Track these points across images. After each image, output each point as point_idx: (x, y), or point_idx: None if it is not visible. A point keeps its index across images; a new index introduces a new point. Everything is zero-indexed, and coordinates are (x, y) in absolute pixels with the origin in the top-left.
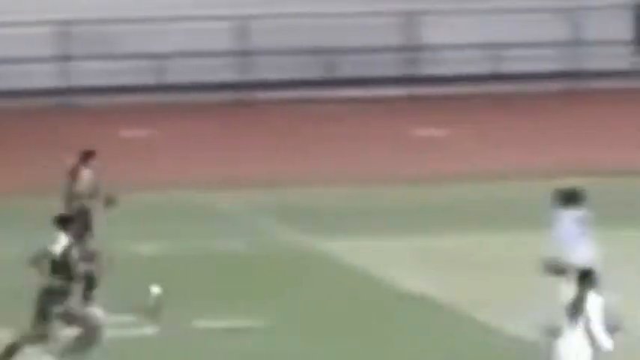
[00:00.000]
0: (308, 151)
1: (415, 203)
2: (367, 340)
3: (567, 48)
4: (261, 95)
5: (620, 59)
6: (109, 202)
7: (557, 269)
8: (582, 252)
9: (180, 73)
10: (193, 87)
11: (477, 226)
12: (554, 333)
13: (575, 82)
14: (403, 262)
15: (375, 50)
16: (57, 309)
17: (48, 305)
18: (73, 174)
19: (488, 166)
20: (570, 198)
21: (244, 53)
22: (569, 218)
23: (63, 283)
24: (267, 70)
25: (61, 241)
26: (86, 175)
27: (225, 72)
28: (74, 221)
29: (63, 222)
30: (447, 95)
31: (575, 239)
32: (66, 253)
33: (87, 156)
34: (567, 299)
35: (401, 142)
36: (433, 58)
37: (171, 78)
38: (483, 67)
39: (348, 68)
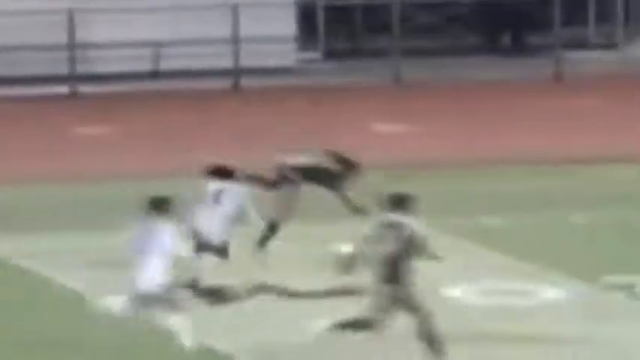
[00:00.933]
0: None
1: (74, 201)
2: None
3: (229, 45)
4: None
5: (284, 56)
6: None
7: None
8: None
9: None
10: None
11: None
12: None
13: (238, 79)
14: (62, 261)
15: (33, 48)
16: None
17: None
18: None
19: (149, 164)
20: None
21: None
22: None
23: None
24: None
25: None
26: None
27: None
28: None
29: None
30: (107, 93)
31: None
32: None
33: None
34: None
35: (61, 140)
36: (94, 56)
37: None
38: (144, 65)
39: (2, 67)
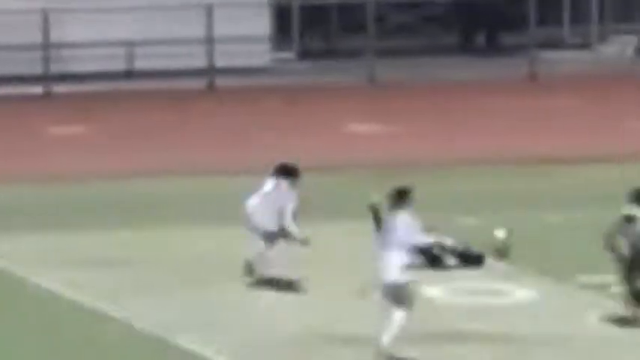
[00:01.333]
0: None
1: (48, 201)
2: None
3: (204, 45)
4: None
5: (258, 56)
6: None
7: None
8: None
9: None
10: None
11: (115, 223)
12: None
13: (212, 79)
14: (39, 259)
15: (7, 48)
16: None
17: None
18: None
19: (124, 164)
20: None
21: None
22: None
23: None
24: None
25: None
26: None
27: None
28: None
29: None
30: (82, 93)
31: None
32: None
33: None
34: None
35: (36, 140)
36: (69, 56)
37: None
38: (118, 65)
39: None
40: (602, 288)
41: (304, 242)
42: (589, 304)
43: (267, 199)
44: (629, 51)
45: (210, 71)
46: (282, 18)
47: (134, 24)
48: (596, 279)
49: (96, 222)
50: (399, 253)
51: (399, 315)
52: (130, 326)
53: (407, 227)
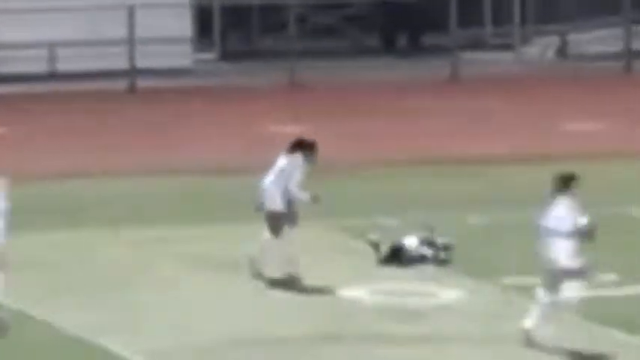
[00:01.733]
0: None
1: None
2: None
3: (125, 46)
4: None
5: (180, 57)
6: None
7: None
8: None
9: None
10: None
11: (35, 225)
12: None
13: (134, 80)
14: None
15: None
16: None
17: None
18: None
19: (46, 166)
20: None
21: None
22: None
23: None
24: None
25: None
26: None
27: None
28: None
29: None
30: (4, 94)
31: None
32: None
33: None
34: None
35: None
36: None
37: None
38: (41, 66)
39: None
40: (525, 290)
41: (315, 200)
42: (513, 306)
43: (281, 175)
44: (551, 52)
45: (131, 72)
46: (203, 19)
47: (57, 26)
48: (523, 280)
49: (17, 224)
50: (562, 239)
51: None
52: (50, 326)
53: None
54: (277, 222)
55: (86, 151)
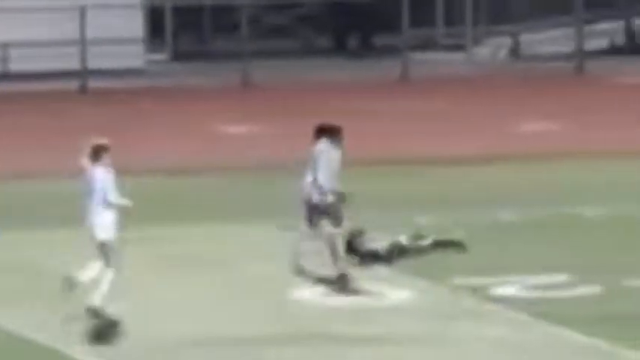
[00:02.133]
0: None
1: None
2: None
3: (77, 46)
4: None
5: (131, 58)
6: None
7: None
8: None
9: None
10: None
11: None
12: None
13: (85, 80)
14: None
15: None
16: None
17: None
18: None
19: None
20: None
21: None
22: None
23: None
24: None
25: None
26: None
27: None
28: None
29: None
30: None
31: None
32: None
33: None
34: None
35: None
36: None
37: None
38: None
39: None
40: (476, 290)
41: (351, 198)
42: (463, 306)
43: (312, 166)
44: (503, 53)
45: (83, 73)
46: (155, 19)
47: (9, 26)
48: (473, 281)
49: None
50: None
51: None
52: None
53: None
54: (315, 214)
55: (38, 151)
